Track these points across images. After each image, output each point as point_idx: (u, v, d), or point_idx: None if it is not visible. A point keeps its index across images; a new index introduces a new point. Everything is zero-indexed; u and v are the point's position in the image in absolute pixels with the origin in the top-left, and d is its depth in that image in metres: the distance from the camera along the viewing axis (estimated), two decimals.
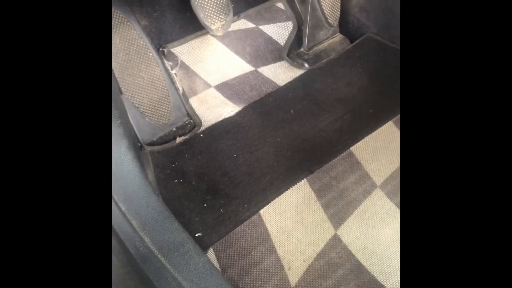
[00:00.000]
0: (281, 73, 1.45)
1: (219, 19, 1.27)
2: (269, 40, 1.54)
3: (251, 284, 0.86)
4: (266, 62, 1.49)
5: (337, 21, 1.57)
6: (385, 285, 0.85)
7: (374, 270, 0.87)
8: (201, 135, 1.22)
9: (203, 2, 1.25)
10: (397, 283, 0.86)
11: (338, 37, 1.59)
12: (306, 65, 1.47)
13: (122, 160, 0.84)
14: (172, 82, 1.29)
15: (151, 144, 1.22)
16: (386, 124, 1.16)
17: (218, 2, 1.27)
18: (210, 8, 1.25)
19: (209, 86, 1.39)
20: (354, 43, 1.53)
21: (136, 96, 1.21)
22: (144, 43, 1.23)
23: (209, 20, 1.26)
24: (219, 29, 1.27)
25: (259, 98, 1.33)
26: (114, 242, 0.71)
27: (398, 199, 0.98)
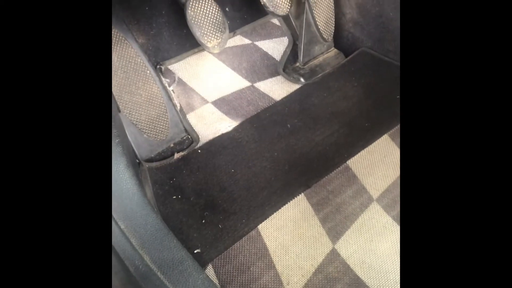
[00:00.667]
0: (278, 88, 1.47)
1: (215, 36, 1.29)
2: (265, 56, 1.56)
3: None
4: (263, 77, 1.51)
5: (332, 36, 1.60)
6: None
7: (372, 284, 0.88)
8: (199, 151, 1.23)
9: (199, 20, 1.27)
10: None
11: (333, 51, 1.62)
12: (302, 79, 1.49)
13: (120, 178, 0.85)
14: (170, 98, 1.30)
15: (150, 160, 1.23)
16: (381, 138, 1.17)
17: (214, 20, 1.29)
18: (206, 26, 1.28)
19: (206, 102, 1.40)
20: (348, 57, 1.55)
21: (134, 113, 1.22)
22: (142, 61, 1.24)
23: (206, 38, 1.28)
24: (216, 46, 1.29)
25: (256, 113, 1.35)
26: (113, 261, 0.71)
27: (395, 213, 0.99)
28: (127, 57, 1.22)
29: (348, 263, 0.92)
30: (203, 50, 1.48)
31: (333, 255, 0.93)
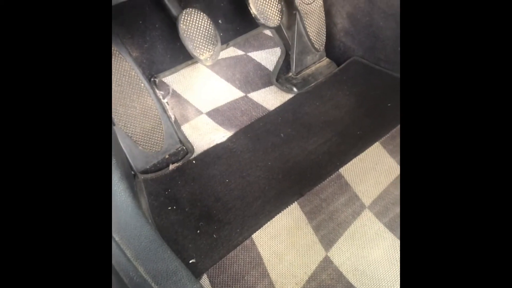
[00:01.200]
0: (271, 98, 1.49)
1: (208, 49, 1.31)
2: (258, 66, 1.59)
3: None
4: (256, 87, 1.53)
5: (323, 45, 1.62)
6: None
7: None
8: (194, 162, 1.24)
9: (191, 33, 1.29)
10: None
11: (325, 61, 1.64)
12: (294, 89, 1.51)
13: (115, 191, 0.86)
14: (164, 110, 1.32)
15: (145, 172, 1.25)
16: (373, 145, 1.19)
17: (206, 33, 1.31)
18: (198, 39, 1.30)
19: (200, 113, 1.42)
20: (340, 67, 1.58)
21: (129, 125, 1.23)
22: (136, 74, 1.26)
23: (198, 51, 1.30)
24: (208, 59, 1.31)
25: (249, 123, 1.37)
26: None
27: (386, 220, 1.01)
28: (121, 71, 1.24)
29: (341, 270, 0.93)
30: (196, 62, 1.50)
31: (326, 262, 0.94)
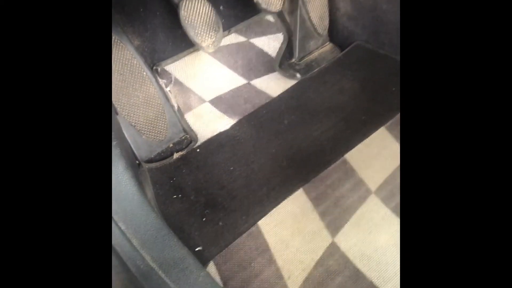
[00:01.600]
0: (274, 85, 1.47)
1: (209, 36, 1.30)
2: (261, 53, 1.57)
3: None
4: (259, 74, 1.52)
5: (327, 30, 1.60)
6: None
7: (372, 276, 0.89)
8: (198, 150, 1.24)
9: (192, 20, 1.28)
10: None
11: (329, 46, 1.62)
12: (298, 75, 1.49)
13: (120, 180, 0.86)
14: (167, 99, 1.31)
15: (149, 161, 1.24)
16: (378, 130, 1.18)
17: (207, 20, 1.30)
18: (200, 26, 1.28)
19: (203, 101, 1.41)
20: (344, 51, 1.56)
21: (132, 115, 1.23)
22: (138, 63, 1.25)
23: (200, 38, 1.28)
24: (210, 45, 1.30)
25: (253, 110, 1.36)
26: (115, 262, 0.73)
27: (393, 204, 1.00)
28: (123, 60, 1.23)
29: (347, 255, 0.93)
30: (198, 49, 1.49)
31: (333, 248, 0.94)
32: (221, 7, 1.53)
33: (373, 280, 0.88)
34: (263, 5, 1.40)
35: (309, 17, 1.51)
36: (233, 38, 1.57)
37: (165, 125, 1.29)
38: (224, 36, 1.51)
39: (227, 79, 1.48)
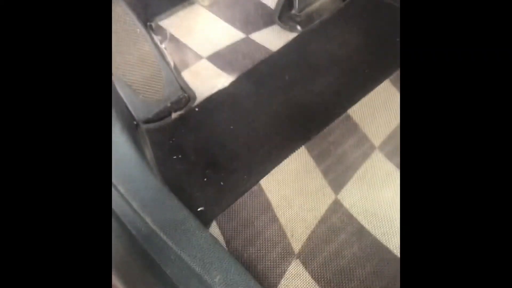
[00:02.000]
0: (274, 38, 1.41)
1: None
2: (259, 5, 1.50)
3: (256, 254, 0.88)
4: (258, 27, 1.45)
5: None
6: (388, 246, 0.86)
7: (376, 232, 0.88)
8: (196, 109, 1.20)
9: None
10: (399, 244, 0.87)
11: None
12: (298, 27, 1.43)
13: (116, 142, 0.84)
14: (163, 56, 1.26)
15: (147, 121, 1.21)
16: (382, 83, 1.14)
17: None
18: None
19: (200, 57, 1.36)
20: (346, 1, 1.48)
21: (127, 74, 1.19)
22: (131, 19, 1.20)
23: None
24: None
25: (252, 66, 1.31)
26: (115, 225, 0.72)
27: (397, 160, 0.98)
28: (115, 17, 1.18)
29: (351, 212, 0.92)
30: (194, 2, 1.42)
31: (336, 205, 0.93)
32: None
33: (377, 236, 0.88)
34: None
35: None
36: None
37: (161, 84, 1.25)
38: None
39: (225, 34, 1.42)
